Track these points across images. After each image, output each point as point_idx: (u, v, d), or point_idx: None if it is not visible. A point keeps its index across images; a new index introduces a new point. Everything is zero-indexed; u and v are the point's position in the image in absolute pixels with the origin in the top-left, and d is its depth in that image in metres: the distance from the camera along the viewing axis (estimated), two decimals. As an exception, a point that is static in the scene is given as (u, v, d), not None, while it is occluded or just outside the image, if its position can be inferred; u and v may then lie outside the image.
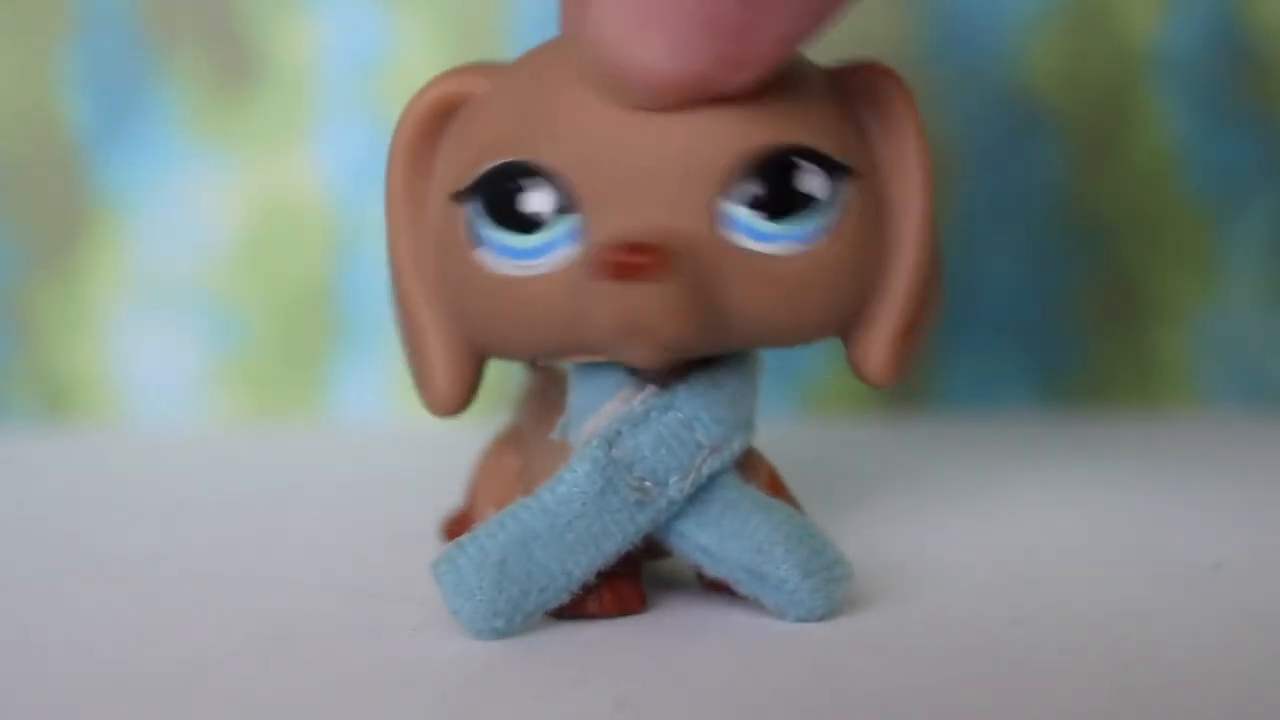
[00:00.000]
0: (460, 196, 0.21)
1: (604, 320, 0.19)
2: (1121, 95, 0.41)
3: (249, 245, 0.42)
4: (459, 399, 0.22)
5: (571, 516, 0.21)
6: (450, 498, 0.28)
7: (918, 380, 0.41)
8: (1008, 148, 0.41)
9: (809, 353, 0.40)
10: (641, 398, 0.21)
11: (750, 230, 0.20)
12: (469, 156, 0.21)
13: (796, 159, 0.20)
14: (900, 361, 0.22)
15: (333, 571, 0.25)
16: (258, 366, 0.42)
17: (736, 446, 0.21)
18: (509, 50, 0.40)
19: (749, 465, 0.22)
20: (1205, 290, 0.41)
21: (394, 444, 0.39)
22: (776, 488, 0.22)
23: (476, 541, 0.20)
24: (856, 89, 0.22)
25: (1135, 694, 0.18)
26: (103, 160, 0.42)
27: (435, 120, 0.22)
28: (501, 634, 0.20)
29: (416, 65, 0.41)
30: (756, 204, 0.20)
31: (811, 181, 0.20)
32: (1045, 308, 0.41)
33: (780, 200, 0.20)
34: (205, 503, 0.32)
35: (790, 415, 0.41)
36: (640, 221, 0.20)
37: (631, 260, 0.19)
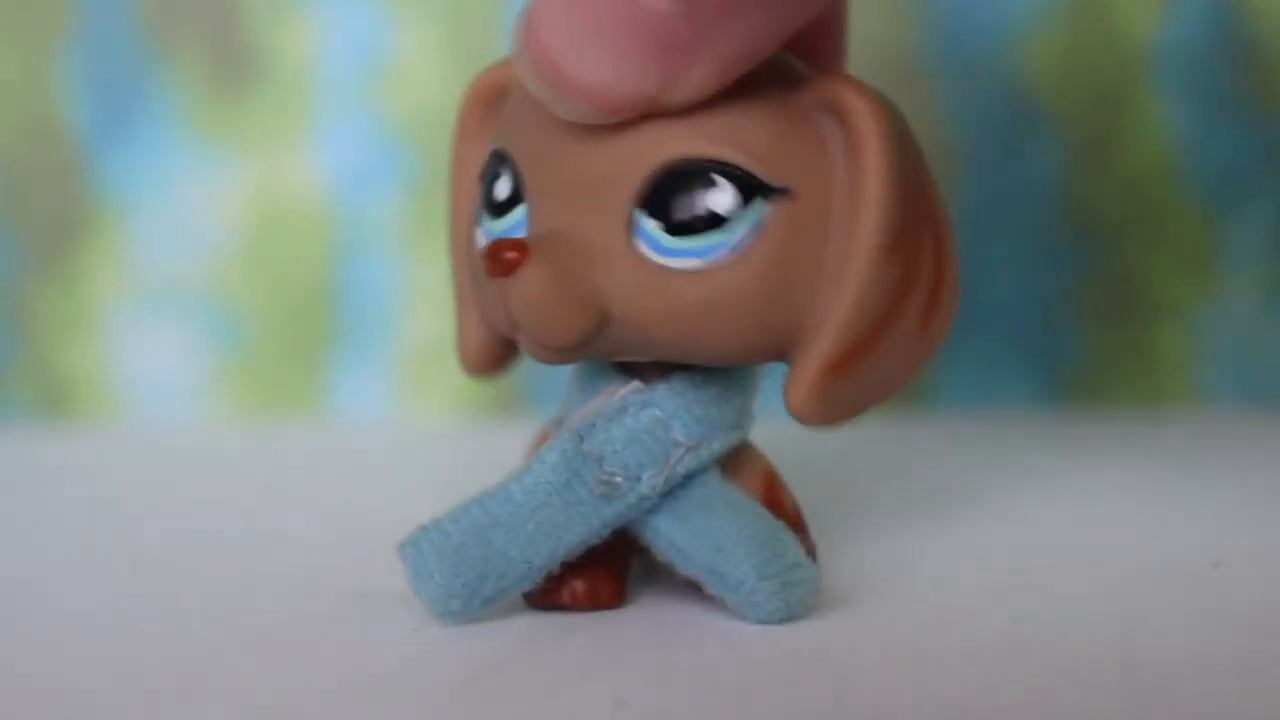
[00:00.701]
0: (480, 177, 0.22)
1: (489, 311, 0.21)
2: (1121, 94, 0.41)
3: (249, 245, 0.42)
4: (482, 362, 0.24)
5: (534, 506, 0.21)
6: (451, 497, 0.28)
7: (917, 380, 0.41)
8: (1007, 146, 0.41)
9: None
10: (621, 394, 0.21)
11: (653, 242, 0.20)
12: (490, 142, 0.23)
13: (708, 173, 0.20)
14: (828, 399, 0.20)
15: (333, 571, 0.25)
16: (258, 366, 0.42)
17: (717, 446, 0.22)
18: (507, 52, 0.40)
19: (743, 464, 0.22)
20: (1205, 289, 0.41)
21: (394, 444, 0.39)
22: (772, 487, 0.23)
23: (440, 526, 0.21)
24: (826, 104, 0.20)
25: (1136, 694, 0.18)
26: (103, 160, 0.42)
27: (485, 105, 0.24)
28: (459, 616, 0.21)
29: (417, 65, 0.41)
30: (661, 216, 0.20)
31: (719, 198, 0.20)
32: (1044, 307, 0.41)
33: (684, 215, 0.20)
34: (205, 502, 0.32)
35: (789, 416, 0.41)
36: (560, 219, 0.21)
37: (498, 255, 0.20)
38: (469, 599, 0.21)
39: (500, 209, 0.21)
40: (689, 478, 0.21)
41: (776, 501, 0.22)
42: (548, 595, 0.22)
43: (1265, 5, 0.40)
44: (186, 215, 0.42)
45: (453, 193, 0.24)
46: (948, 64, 0.41)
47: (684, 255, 0.20)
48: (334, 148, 0.41)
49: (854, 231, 0.20)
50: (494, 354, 0.24)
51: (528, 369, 0.41)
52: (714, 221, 0.20)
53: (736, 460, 0.22)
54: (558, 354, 0.20)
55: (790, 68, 0.21)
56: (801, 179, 0.20)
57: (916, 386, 0.41)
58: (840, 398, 0.21)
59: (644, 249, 0.20)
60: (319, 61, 0.41)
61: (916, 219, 0.20)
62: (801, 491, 0.24)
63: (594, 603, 0.22)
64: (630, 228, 0.20)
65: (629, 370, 0.22)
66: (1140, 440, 0.37)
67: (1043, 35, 0.41)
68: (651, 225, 0.20)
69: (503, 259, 0.20)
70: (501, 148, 0.22)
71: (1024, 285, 0.41)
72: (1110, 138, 0.41)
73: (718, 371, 0.22)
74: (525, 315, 0.20)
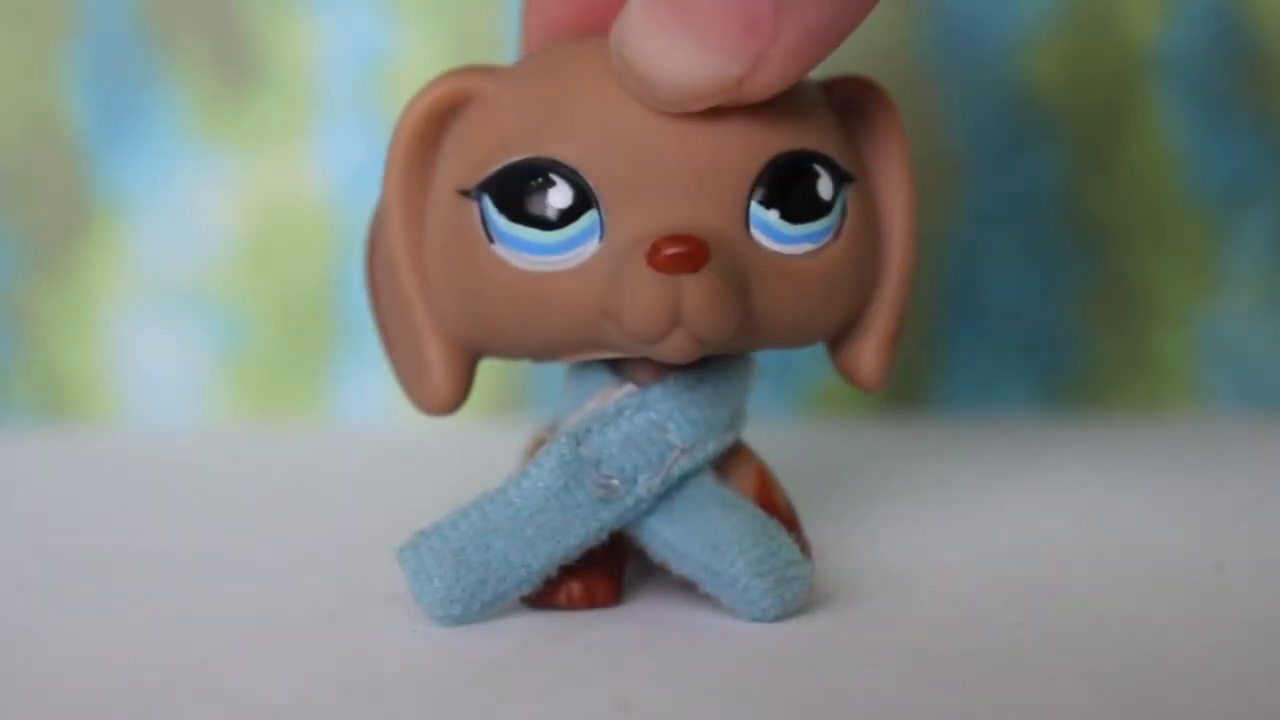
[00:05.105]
0: (472, 193, 0.21)
1: (644, 311, 0.20)
2: (1122, 98, 0.41)
3: (250, 245, 0.42)
4: (456, 397, 0.23)
5: (533, 510, 0.21)
6: (451, 499, 0.28)
7: (918, 382, 0.41)
8: (1009, 151, 0.41)
9: (809, 354, 0.40)
10: (616, 397, 0.21)
11: (771, 231, 0.21)
12: (480, 154, 0.21)
13: (811, 164, 0.21)
14: (890, 364, 0.23)
15: (333, 571, 0.25)
16: (258, 367, 0.42)
17: (711, 447, 0.22)
18: (510, 52, 0.40)
19: (736, 464, 0.23)
20: (1206, 293, 0.41)
21: (395, 445, 0.39)
22: (766, 487, 0.23)
23: (440, 530, 0.21)
24: (845, 101, 0.23)
25: (1137, 697, 0.18)
26: (103, 160, 0.42)
27: (438, 119, 0.22)
28: (459, 620, 0.21)
29: (418, 66, 0.41)
30: (778, 205, 0.21)
31: (823, 185, 0.21)
32: (1046, 310, 0.41)
33: (800, 203, 0.21)
34: (205, 502, 0.32)
35: (790, 417, 0.41)
36: (668, 218, 0.20)
37: (673, 250, 0.19)
38: (469, 603, 0.21)
39: (553, 220, 0.20)
40: (683, 479, 0.21)
41: (770, 500, 0.22)
42: (545, 596, 0.22)
43: (1266, 10, 0.40)
44: (187, 216, 0.42)
45: (394, 217, 0.22)
46: (950, 68, 0.41)
47: (802, 241, 0.21)
48: (335, 149, 0.41)
49: (894, 209, 0.23)
50: (462, 386, 0.22)
51: (529, 372, 0.41)
52: (824, 208, 0.21)
53: (730, 460, 0.22)
54: (706, 349, 0.20)
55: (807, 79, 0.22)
56: (856, 165, 0.22)
57: (917, 388, 0.41)
58: (892, 360, 0.23)
59: (762, 238, 0.21)
60: (320, 62, 0.41)
61: None
62: (800, 491, 0.24)
63: (591, 603, 0.22)
64: (746, 220, 0.21)
65: (623, 373, 0.22)
66: (1141, 443, 0.37)
67: (1045, 40, 0.41)
68: (770, 216, 0.21)
69: (685, 254, 0.19)
70: (545, 156, 0.20)
71: (1025, 288, 0.41)
72: (1111, 142, 0.41)
73: (711, 373, 0.22)
74: (706, 310, 0.19)
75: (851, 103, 0.23)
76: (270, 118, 0.41)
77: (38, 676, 0.19)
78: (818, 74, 0.23)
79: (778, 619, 0.21)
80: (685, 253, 0.19)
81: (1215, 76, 0.40)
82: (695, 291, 0.19)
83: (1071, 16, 0.40)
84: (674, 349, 0.20)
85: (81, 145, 0.42)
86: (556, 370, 0.24)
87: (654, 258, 0.19)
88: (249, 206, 0.42)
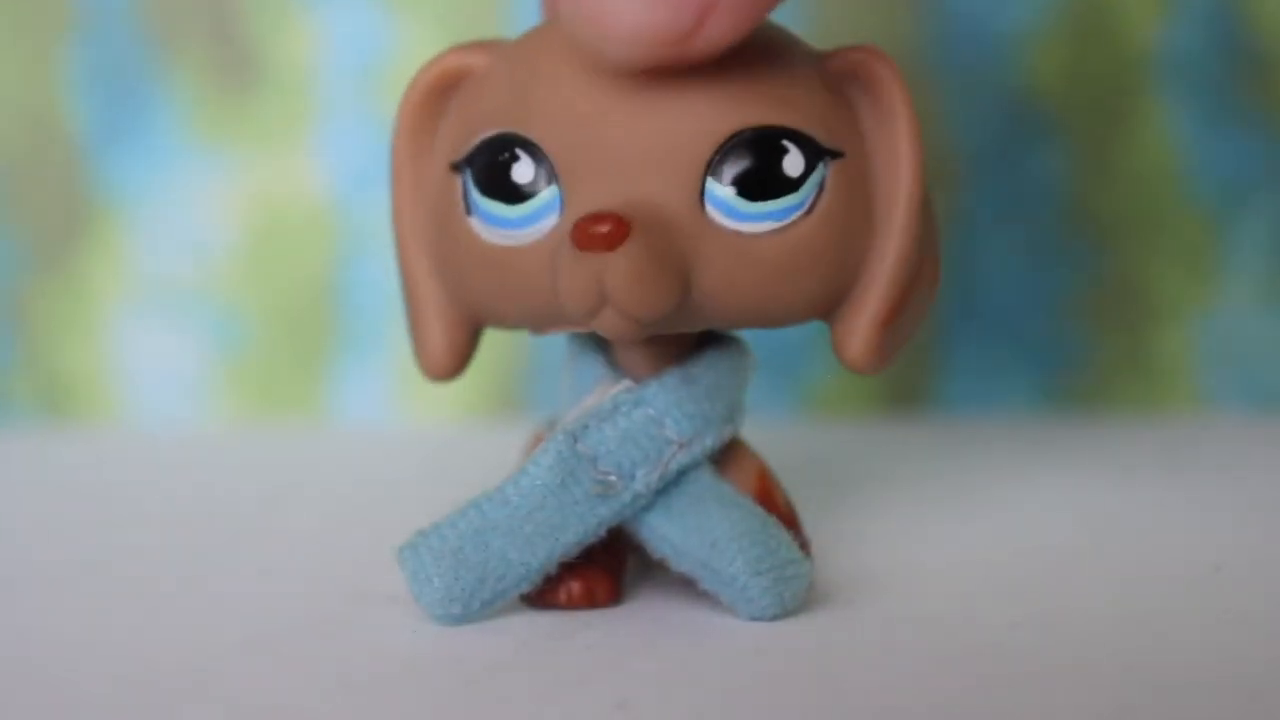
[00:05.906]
0: (457, 167, 0.22)
1: (571, 290, 0.20)
2: (1123, 98, 0.41)
3: (250, 246, 0.42)
4: (452, 364, 0.23)
5: (531, 508, 0.21)
6: (451, 499, 0.28)
7: (918, 381, 0.41)
8: (1009, 150, 0.41)
9: (808, 353, 0.40)
10: (613, 393, 0.21)
11: (728, 209, 0.20)
12: (466, 128, 0.22)
13: (778, 140, 0.21)
14: (882, 348, 0.22)
15: (333, 571, 0.25)
16: (258, 367, 0.42)
17: (710, 442, 0.22)
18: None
19: (736, 461, 0.22)
20: (1206, 293, 0.41)
21: (395, 445, 0.39)
22: (765, 484, 0.23)
23: (439, 530, 0.21)
24: (848, 72, 0.22)
25: (1136, 697, 0.18)
26: (103, 160, 0.42)
27: (438, 94, 0.23)
28: (459, 620, 0.21)
29: (417, 66, 0.41)
30: (736, 183, 0.20)
31: (791, 162, 0.21)
32: (1046, 310, 0.41)
33: (760, 180, 0.20)
34: (205, 502, 0.32)
35: (789, 416, 0.41)
36: (620, 195, 0.20)
37: (593, 229, 0.19)
38: (468, 602, 0.21)
39: (517, 194, 0.21)
40: (682, 474, 0.22)
41: (769, 498, 0.22)
42: (545, 595, 0.22)
43: (1265, 10, 0.40)
44: (187, 216, 0.42)
45: (399, 188, 0.23)
46: (951, 68, 0.41)
47: (762, 219, 0.21)
48: (335, 148, 0.41)
49: (894, 188, 0.21)
50: (459, 354, 0.23)
51: (528, 371, 0.41)
52: (789, 185, 0.20)
53: (729, 457, 0.22)
54: (645, 328, 0.20)
55: (807, 45, 0.22)
56: (847, 142, 0.21)
57: (917, 388, 0.41)
58: (887, 345, 0.22)
59: (718, 216, 0.20)
60: (320, 62, 0.41)
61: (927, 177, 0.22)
62: (800, 490, 0.24)
63: (591, 602, 0.22)
64: (701, 197, 0.20)
65: (619, 368, 0.22)
66: (1140, 443, 0.37)
67: (1045, 39, 0.41)
68: (726, 193, 0.20)
69: (604, 233, 0.19)
70: (513, 131, 0.21)
71: (1025, 288, 0.41)
72: (1112, 141, 0.41)
73: (708, 367, 0.22)
74: (627, 288, 0.19)
75: (852, 73, 0.22)
76: (270, 118, 0.41)
77: (37, 676, 0.19)
78: (822, 45, 0.23)
79: (776, 618, 0.21)
80: (604, 232, 0.19)
81: (1215, 77, 0.40)
82: (614, 269, 0.19)
83: (1072, 17, 0.40)
84: (609, 326, 0.20)
85: (81, 145, 0.42)
86: (556, 370, 0.24)
87: (575, 236, 0.20)
88: (249, 206, 0.42)
